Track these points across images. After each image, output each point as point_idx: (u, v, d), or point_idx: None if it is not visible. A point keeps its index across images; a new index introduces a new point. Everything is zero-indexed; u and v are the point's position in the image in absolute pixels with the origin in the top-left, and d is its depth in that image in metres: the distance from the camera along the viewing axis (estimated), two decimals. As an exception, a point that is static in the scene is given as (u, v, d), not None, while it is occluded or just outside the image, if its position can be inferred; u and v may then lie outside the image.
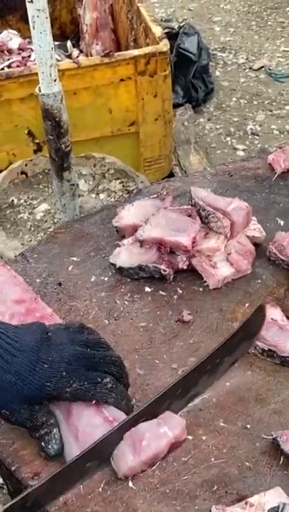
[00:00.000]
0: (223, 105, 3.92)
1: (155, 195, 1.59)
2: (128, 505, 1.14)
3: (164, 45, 2.85)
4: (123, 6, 3.50)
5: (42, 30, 1.68)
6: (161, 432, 1.16)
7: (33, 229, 2.12)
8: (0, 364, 1.13)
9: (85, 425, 1.17)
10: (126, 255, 1.49)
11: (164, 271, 1.46)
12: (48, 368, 1.15)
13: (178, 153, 3.40)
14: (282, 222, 1.61)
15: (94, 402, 1.18)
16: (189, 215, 1.49)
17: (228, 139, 3.66)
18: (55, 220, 2.12)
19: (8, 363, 1.13)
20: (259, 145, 3.57)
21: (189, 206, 1.52)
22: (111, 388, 1.19)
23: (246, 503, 1.12)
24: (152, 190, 1.70)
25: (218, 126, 3.76)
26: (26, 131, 2.92)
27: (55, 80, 1.78)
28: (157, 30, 2.96)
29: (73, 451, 1.16)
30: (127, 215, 1.54)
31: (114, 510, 1.14)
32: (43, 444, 1.18)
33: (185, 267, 1.48)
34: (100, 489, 1.17)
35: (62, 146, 1.89)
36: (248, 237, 1.51)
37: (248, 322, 1.26)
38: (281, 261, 1.49)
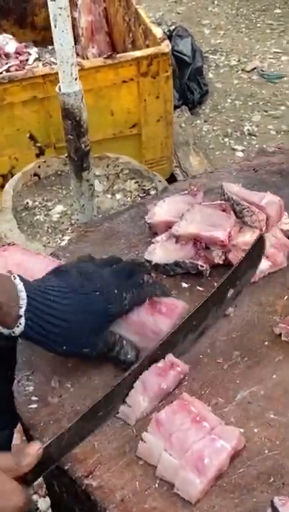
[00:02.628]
0: (219, 107, 3.94)
1: (185, 192, 1.58)
2: (186, 500, 1.13)
3: (166, 46, 2.86)
4: (119, 8, 3.50)
5: (64, 28, 1.68)
6: (218, 447, 1.14)
7: (50, 231, 2.12)
8: (66, 310, 1.19)
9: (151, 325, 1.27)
10: (161, 252, 1.48)
11: (202, 266, 1.45)
12: (100, 294, 1.22)
13: (178, 155, 3.41)
14: (312, 216, 1.62)
15: (147, 301, 1.27)
16: (223, 210, 1.49)
17: (226, 140, 3.67)
18: (72, 221, 2.11)
19: (70, 305, 1.20)
20: (257, 145, 3.59)
21: (222, 201, 1.52)
22: (153, 282, 1.30)
23: (305, 494, 1.12)
24: (179, 187, 1.70)
25: (215, 128, 3.77)
26: (28, 135, 2.91)
27: (75, 79, 1.77)
28: (158, 32, 2.97)
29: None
30: (160, 212, 1.54)
31: (172, 504, 1.13)
32: (122, 357, 1.26)
33: (221, 262, 1.48)
34: (156, 485, 1.16)
35: (82, 145, 1.89)
36: (281, 230, 1.52)
37: (249, 253, 1.34)
38: (316, 253, 1.50)
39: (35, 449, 1.10)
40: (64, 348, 1.22)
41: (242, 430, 1.22)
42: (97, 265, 1.29)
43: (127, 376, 1.21)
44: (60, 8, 1.64)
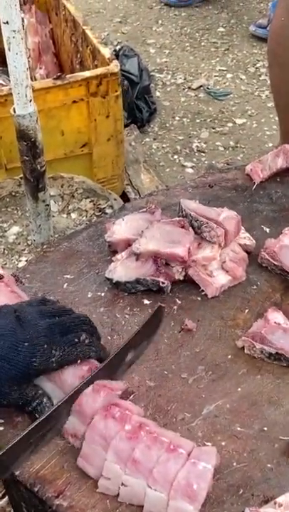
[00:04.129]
0: (167, 124, 3.98)
1: (144, 210, 1.60)
2: (158, 516, 1.14)
3: (115, 66, 2.88)
4: (66, 29, 3.51)
5: (18, 51, 1.68)
6: (201, 469, 1.13)
7: (6, 252, 2.10)
8: None
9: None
10: (122, 270, 1.49)
11: (163, 283, 1.47)
12: (29, 345, 1.19)
13: (128, 173, 3.42)
14: (267, 230, 1.65)
15: (78, 361, 1.24)
16: (182, 227, 1.51)
17: (176, 157, 3.71)
18: (29, 242, 2.10)
19: None
20: (206, 161, 3.63)
21: (181, 218, 1.54)
22: (89, 343, 1.26)
23: (275, 503, 1.13)
24: (136, 205, 1.72)
25: (164, 145, 3.81)
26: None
27: (30, 101, 1.78)
28: (106, 52, 2.99)
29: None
30: (119, 230, 1.55)
31: (144, 522, 1.14)
32: (36, 415, 1.22)
33: (181, 278, 1.50)
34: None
35: (38, 166, 1.89)
36: (240, 245, 1.54)
37: (147, 323, 1.35)
38: (274, 266, 1.52)
39: None
40: None
41: (210, 444, 1.24)
42: (41, 311, 1.26)
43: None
44: (14, 31, 1.64)
